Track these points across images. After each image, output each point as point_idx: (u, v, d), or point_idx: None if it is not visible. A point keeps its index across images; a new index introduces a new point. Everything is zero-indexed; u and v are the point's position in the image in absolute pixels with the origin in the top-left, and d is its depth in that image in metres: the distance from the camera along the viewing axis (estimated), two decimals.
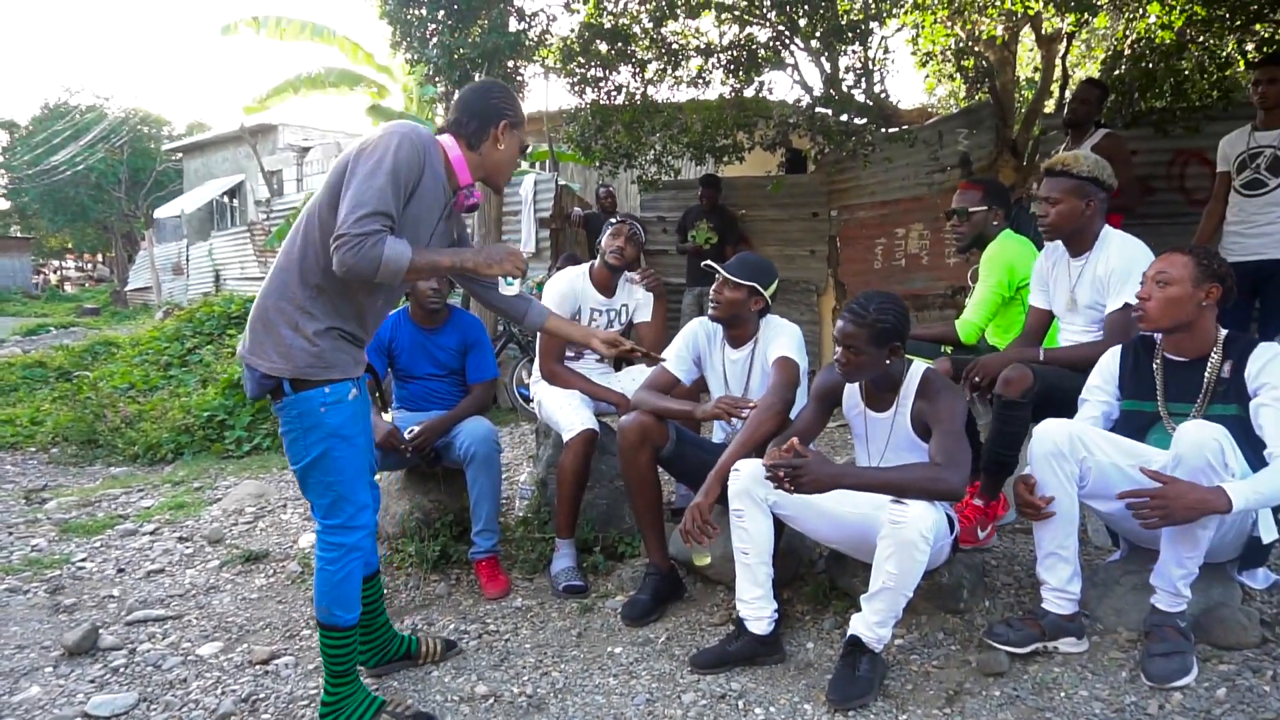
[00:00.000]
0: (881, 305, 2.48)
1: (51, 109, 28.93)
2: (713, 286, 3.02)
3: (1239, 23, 5.22)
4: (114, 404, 6.88)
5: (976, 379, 2.87)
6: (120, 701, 2.56)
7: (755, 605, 2.57)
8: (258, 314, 2.22)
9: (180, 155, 25.46)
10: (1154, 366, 2.51)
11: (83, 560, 3.88)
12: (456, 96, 2.39)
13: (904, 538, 2.25)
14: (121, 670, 2.80)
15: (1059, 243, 3.04)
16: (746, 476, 2.55)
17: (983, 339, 3.52)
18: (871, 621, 2.34)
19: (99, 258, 38.58)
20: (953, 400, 2.48)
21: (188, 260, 18.21)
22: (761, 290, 2.97)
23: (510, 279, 2.41)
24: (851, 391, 2.75)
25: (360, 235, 2.02)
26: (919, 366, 2.62)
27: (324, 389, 2.19)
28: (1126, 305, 2.73)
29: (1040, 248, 3.23)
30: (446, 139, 2.30)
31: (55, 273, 38.60)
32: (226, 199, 21.81)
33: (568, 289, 3.59)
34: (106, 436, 6.45)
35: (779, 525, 2.63)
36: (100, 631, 3.04)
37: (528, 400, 6.52)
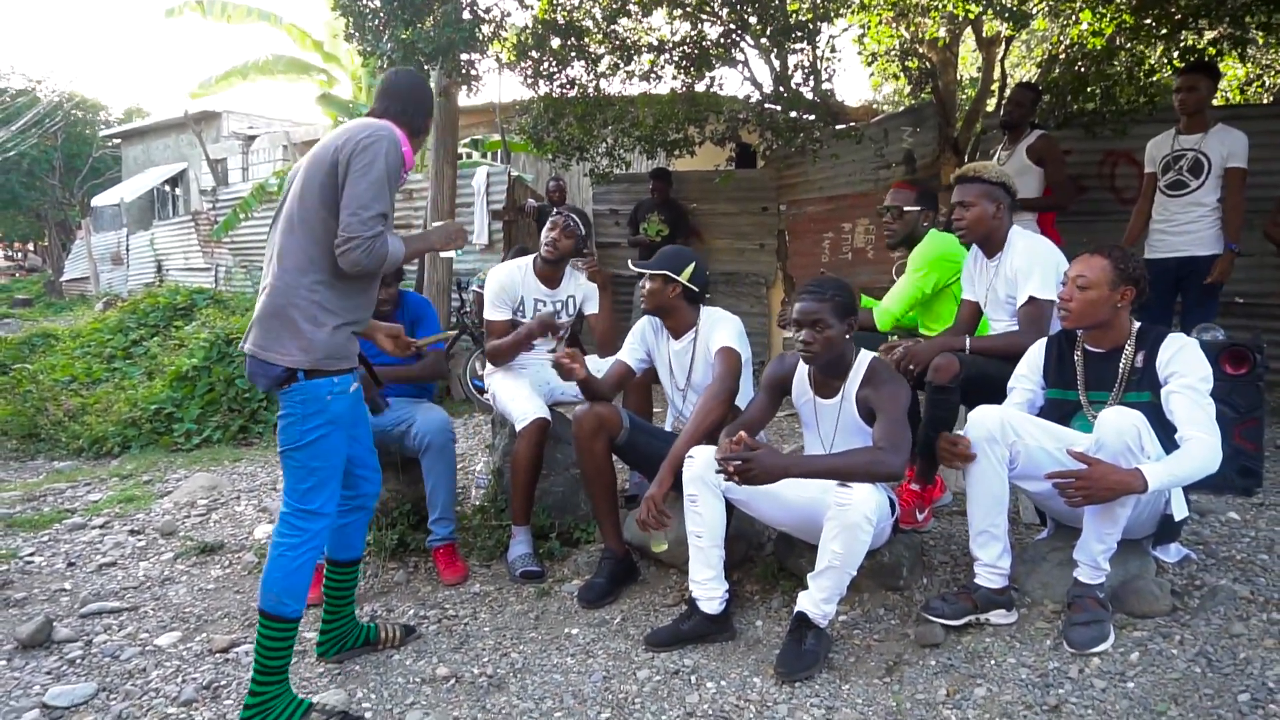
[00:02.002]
0: (837, 283, 2.68)
1: None
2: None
3: (1165, 31, 5.48)
4: (55, 397, 6.73)
5: (910, 367, 3.02)
6: (79, 691, 2.58)
7: (707, 586, 2.68)
8: (271, 310, 2.31)
9: (118, 142, 24.65)
10: (1075, 358, 2.68)
11: (30, 554, 3.84)
12: (391, 84, 2.52)
13: (849, 519, 2.38)
14: (78, 661, 2.81)
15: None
16: (700, 463, 2.66)
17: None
18: (818, 598, 2.47)
19: (30, 247, 37.23)
20: (897, 387, 2.63)
21: (128, 250, 17.72)
22: (673, 276, 3.08)
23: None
24: (800, 380, 2.87)
25: (370, 237, 2.23)
26: (866, 355, 2.76)
27: (333, 379, 2.33)
28: (1031, 299, 2.97)
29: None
30: (398, 132, 2.41)
31: None
32: (168, 187, 21.24)
33: (507, 280, 3.66)
34: (49, 430, 6.31)
35: (729, 509, 2.75)
36: (54, 624, 3.03)
37: (481, 392, 6.58)
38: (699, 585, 2.69)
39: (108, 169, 25.34)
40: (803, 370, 2.86)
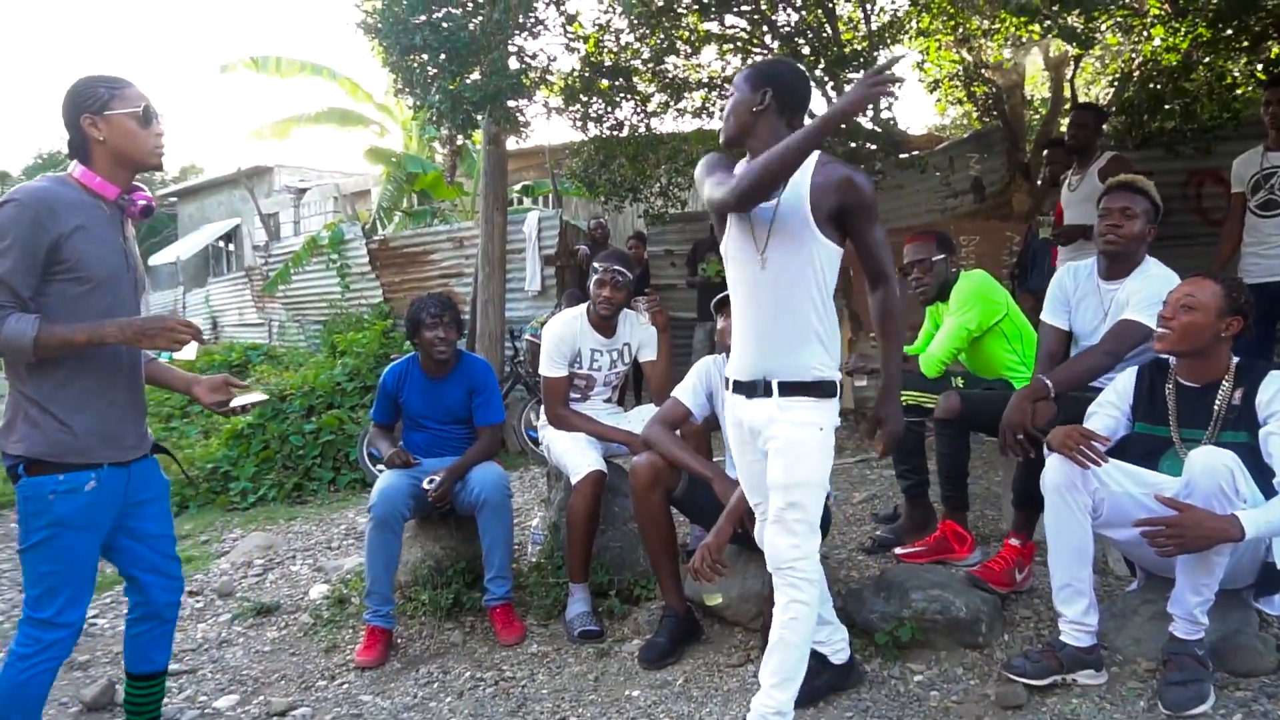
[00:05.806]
0: None
1: (45, 157, 28.44)
2: (719, 325, 3.01)
3: (1245, 43, 5.20)
4: None
5: (1019, 436, 2.69)
6: None
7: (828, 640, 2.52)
8: (9, 393, 2.11)
9: (174, 200, 25.02)
10: (1167, 391, 2.50)
11: (94, 617, 3.85)
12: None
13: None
14: None
15: (1085, 264, 3.00)
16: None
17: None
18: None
19: None
20: None
21: (184, 308, 17.71)
22: None
23: (167, 353, 2.23)
24: None
25: None
26: None
27: (58, 476, 2.05)
28: (1127, 319, 2.73)
29: (1042, 285, 3.19)
30: (78, 168, 2.13)
31: None
32: (222, 244, 21.55)
33: (565, 331, 3.57)
34: None
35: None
36: (117, 687, 3.02)
37: (536, 443, 6.52)
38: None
39: (164, 227, 25.74)
40: None
